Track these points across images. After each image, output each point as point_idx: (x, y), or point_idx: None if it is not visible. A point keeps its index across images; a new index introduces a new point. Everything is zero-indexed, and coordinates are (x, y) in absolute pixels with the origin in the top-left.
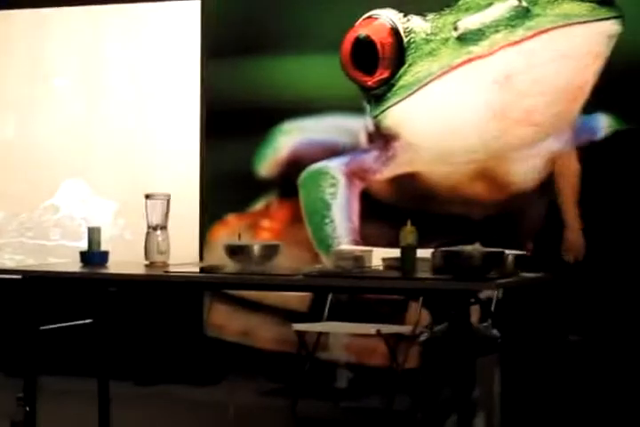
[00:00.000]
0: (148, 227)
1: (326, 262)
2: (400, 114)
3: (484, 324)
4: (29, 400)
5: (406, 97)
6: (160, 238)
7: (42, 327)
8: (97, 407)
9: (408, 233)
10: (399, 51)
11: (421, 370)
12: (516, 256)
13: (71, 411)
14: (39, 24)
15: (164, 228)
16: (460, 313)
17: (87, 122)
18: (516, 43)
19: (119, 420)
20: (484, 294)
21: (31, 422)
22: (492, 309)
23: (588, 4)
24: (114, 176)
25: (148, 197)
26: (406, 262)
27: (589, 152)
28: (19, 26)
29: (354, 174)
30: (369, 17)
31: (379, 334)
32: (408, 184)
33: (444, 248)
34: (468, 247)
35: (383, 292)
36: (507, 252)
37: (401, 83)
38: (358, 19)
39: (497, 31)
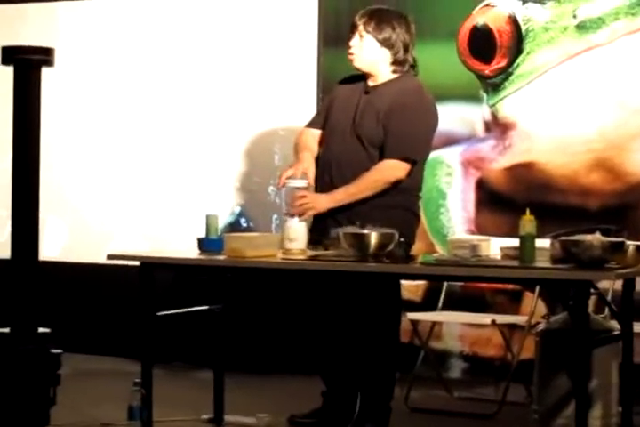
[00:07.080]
0: (285, 214)
1: (441, 252)
2: (517, 103)
3: (602, 315)
4: (146, 385)
5: (524, 85)
6: (293, 225)
7: (159, 313)
8: (212, 394)
9: (527, 222)
10: (517, 39)
11: (537, 361)
12: (638, 247)
13: (187, 396)
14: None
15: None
16: (579, 303)
17: (206, 111)
18: (636, 31)
19: (233, 406)
20: (601, 285)
21: (148, 406)
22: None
23: None
24: (230, 163)
25: (284, 185)
26: (525, 251)
27: None
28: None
29: (470, 163)
30: (487, 5)
31: (494, 323)
32: (524, 174)
33: (563, 238)
34: (589, 237)
35: (502, 281)
36: (628, 242)
37: (519, 71)
38: (476, 6)
39: (617, 19)
